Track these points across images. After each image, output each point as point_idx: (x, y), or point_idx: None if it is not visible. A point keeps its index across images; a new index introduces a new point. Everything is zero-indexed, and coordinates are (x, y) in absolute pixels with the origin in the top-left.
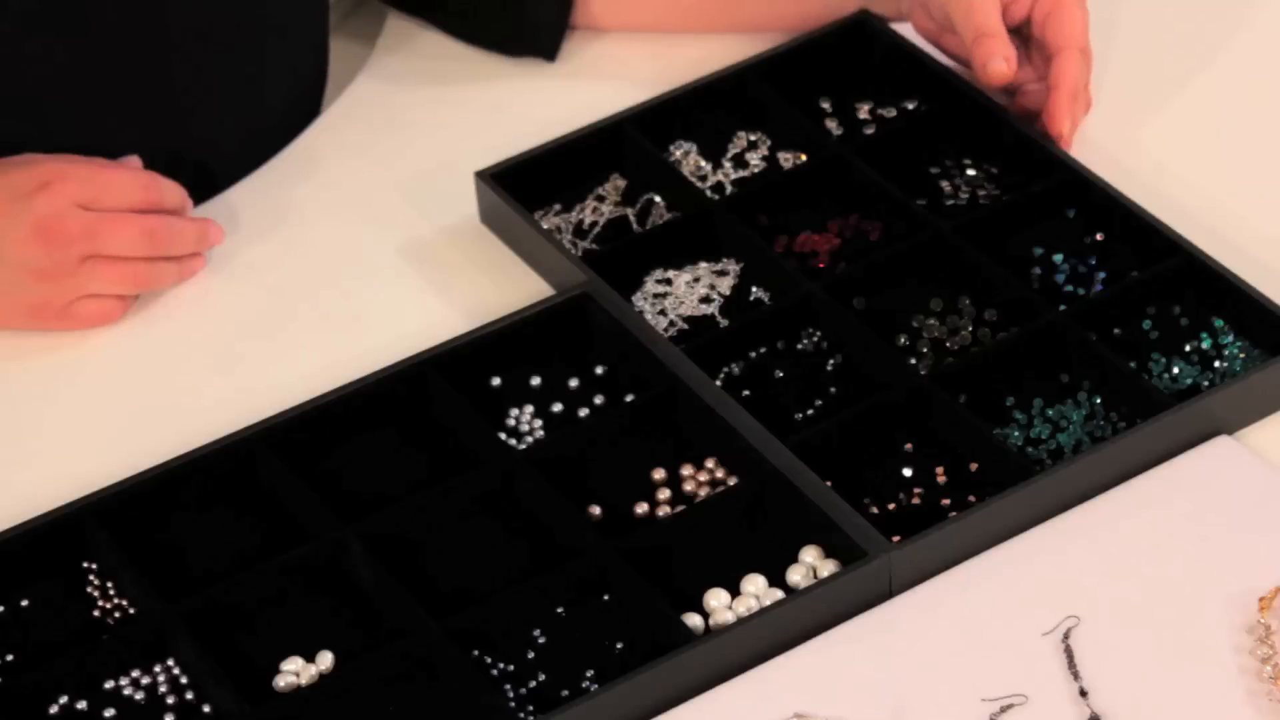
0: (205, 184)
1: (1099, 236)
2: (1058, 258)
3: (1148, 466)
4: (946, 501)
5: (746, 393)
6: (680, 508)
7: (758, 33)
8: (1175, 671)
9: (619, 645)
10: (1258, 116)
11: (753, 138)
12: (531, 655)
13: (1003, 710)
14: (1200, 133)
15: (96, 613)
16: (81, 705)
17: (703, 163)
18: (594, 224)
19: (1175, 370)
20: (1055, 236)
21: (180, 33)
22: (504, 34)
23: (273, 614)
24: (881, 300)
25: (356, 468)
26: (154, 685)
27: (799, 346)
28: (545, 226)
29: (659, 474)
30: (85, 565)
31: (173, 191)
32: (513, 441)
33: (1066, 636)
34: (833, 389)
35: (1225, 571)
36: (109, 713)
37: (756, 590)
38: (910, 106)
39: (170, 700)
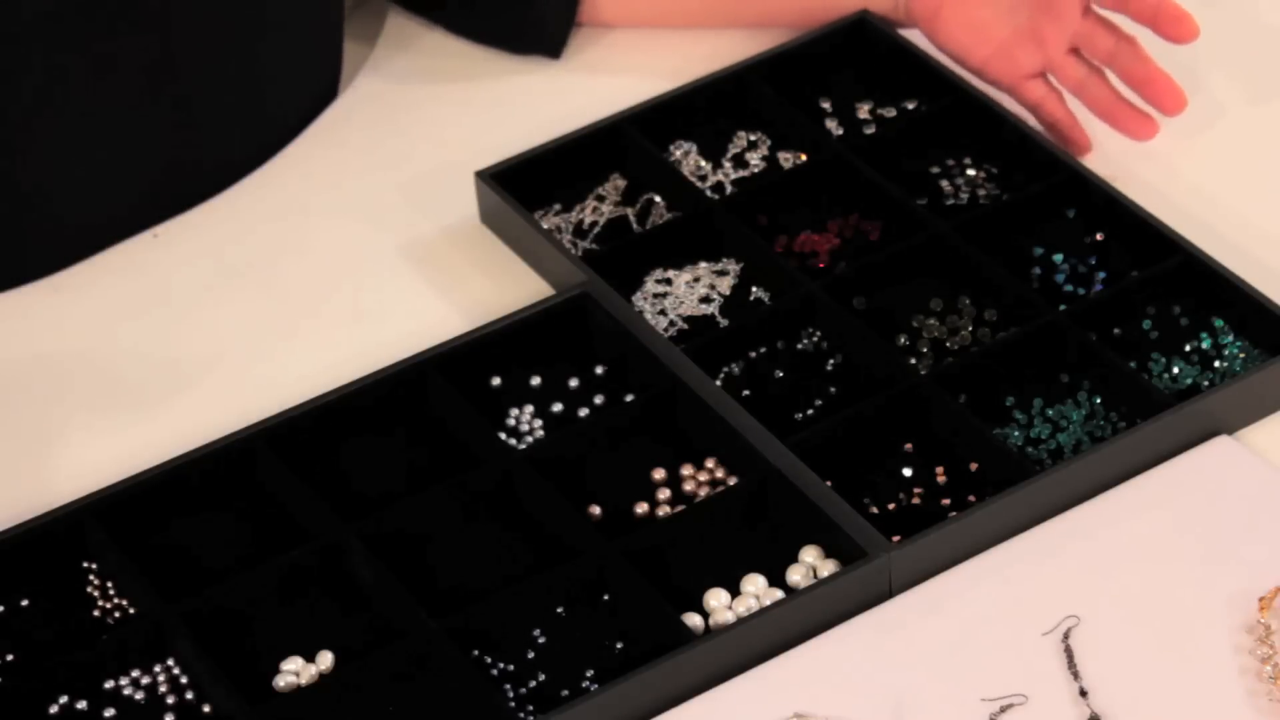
0: (206, 183)
1: (1099, 236)
2: (1058, 258)
3: (1148, 466)
4: (946, 501)
5: (746, 393)
6: (680, 508)
7: (761, 29)
8: (1175, 671)
9: (619, 645)
10: (1258, 116)
11: (753, 138)
12: (531, 655)
13: (1003, 710)
14: (1200, 133)
15: (96, 613)
16: (81, 705)
17: (703, 163)
18: (594, 224)
19: (1175, 370)
20: (1055, 236)
21: (184, 33)
22: (509, 31)
23: (273, 614)
24: (881, 300)
25: (356, 468)
26: (154, 685)
27: (799, 346)
28: (545, 226)
29: (659, 474)
30: (85, 565)
31: None
32: (513, 441)
33: (1066, 636)
34: (833, 389)
35: (1225, 571)
36: (109, 713)
37: (756, 590)
38: (910, 106)
39: (170, 700)
